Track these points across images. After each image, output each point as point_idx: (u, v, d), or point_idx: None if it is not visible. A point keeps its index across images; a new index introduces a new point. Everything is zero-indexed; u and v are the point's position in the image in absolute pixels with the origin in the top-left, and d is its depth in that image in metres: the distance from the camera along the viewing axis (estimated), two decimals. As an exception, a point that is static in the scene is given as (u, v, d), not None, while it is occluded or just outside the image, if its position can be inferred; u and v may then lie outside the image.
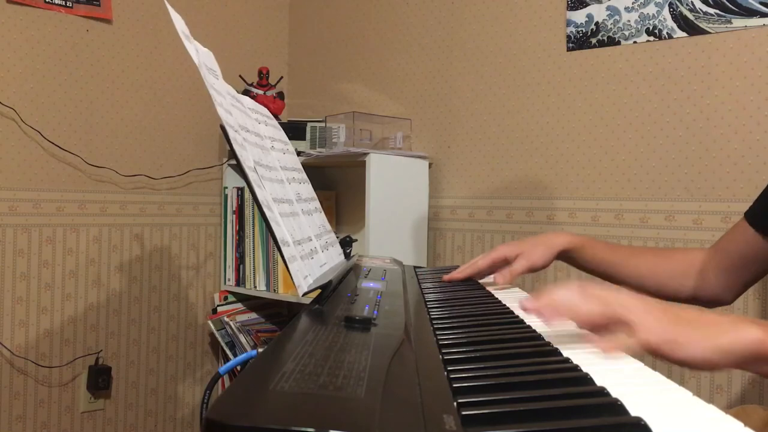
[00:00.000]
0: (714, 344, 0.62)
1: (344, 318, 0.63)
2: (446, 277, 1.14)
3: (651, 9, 1.66)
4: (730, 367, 0.63)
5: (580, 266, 1.20)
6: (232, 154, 0.91)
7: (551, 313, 0.66)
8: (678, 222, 1.62)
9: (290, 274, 0.73)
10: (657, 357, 0.62)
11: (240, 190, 2.25)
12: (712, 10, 1.57)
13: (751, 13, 1.52)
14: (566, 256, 1.18)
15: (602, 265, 1.17)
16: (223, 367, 0.68)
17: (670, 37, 1.63)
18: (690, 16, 1.60)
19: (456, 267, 1.21)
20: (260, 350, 0.56)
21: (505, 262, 1.15)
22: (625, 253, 1.19)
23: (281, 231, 0.76)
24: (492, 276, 1.17)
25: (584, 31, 1.77)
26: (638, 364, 0.59)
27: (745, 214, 1.09)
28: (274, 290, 2.13)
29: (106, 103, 2.04)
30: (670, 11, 1.63)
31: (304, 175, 1.12)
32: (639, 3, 1.68)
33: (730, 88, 1.55)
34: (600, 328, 0.66)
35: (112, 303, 2.07)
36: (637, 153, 1.69)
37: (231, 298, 2.30)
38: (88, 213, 2.01)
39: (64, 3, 1.92)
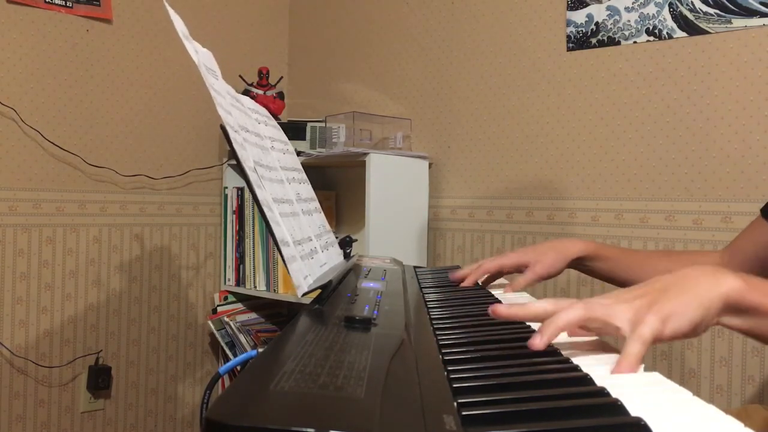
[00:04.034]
0: (698, 302, 0.59)
1: (344, 318, 0.63)
2: (453, 276, 1.10)
3: (651, 9, 1.66)
4: (714, 319, 0.61)
5: (594, 274, 1.14)
6: (232, 154, 0.91)
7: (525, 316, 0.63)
8: (678, 222, 1.62)
9: (290, 274, 0.73)
10: (656, 343, 0.59)
11: (240, 190, 2.25)
12: (712, 10, 1.57)
13: (751, 13, 1.52)
14: (580, 264, 1.12)
15: (617, 271, 1.11)
16: (223, 367, 0.68)
17: (670, 37, 1.63)
18: (690, 16, 1.60)
19: (457, 267, 1.21)
20: (260, 350, 0.56)
21: (515, 268, 1.10)
22: (642, 257, 1.15)
23: (281, 231, 0.76)
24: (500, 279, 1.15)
25: (584, 31, 1.77)
26: (638, 364, 0.59)
27: (761, 210, 1.07)
28: (274, 290, 2.13)
29: (106, 103, 2.04)
30: (670, 11, 1.63)
31: (304, 175, 1.12)
32: (639, 3, 1.68)
33: (730, 88, 1.55)
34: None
35: (112, 303, 2.07)
36: (637, 153, 1.69)
37: (231, 298, 2.30)
38: (88, 213, 2.01)
39: (64, 3, 1.92)
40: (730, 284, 0.60)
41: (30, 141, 1.88)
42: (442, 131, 2.09)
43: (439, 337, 0.66)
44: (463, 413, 0.43)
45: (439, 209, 2.09)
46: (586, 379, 0.52)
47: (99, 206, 2.03)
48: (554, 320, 0.59)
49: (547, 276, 1.09)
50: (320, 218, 1.08)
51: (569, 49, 1.80)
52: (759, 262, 1.05)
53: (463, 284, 1.07)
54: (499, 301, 0.91)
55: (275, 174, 0.90)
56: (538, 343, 0.58)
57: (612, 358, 0.63)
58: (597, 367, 0.56)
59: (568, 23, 1.80)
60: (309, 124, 2.14)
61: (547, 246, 1.11)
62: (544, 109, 1.86)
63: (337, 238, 1.17)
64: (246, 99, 1.04)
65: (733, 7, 1.54)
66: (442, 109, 2.09)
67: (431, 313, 0.80)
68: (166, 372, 2.22)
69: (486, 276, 1.13)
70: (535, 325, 0.73)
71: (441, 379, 0.50)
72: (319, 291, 0.79)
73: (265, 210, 0.72)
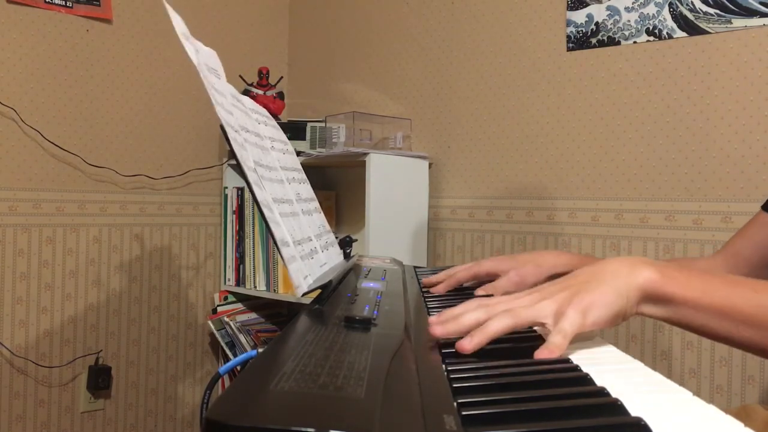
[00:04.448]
0: (616, 293, 0.63)
1: (344, 318, 0.63)
2: (426, 280, 1.06)
3: (651, 9, 1.66)
4: (633, 309, 0.64)
5: None
6: (232, 154, 0.91)
7: (461, 334, 0.62)
8: (678, 222, 1.62)
9: (290, 275, 0.73)
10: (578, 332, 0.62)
11: (240, 190, 2.25)
12: (712, 10, 1.57)
13: (751, 13, 1.52)
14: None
15: None
16: (223, 367, 0.68)
17: (670, 37, 1.63)
18: (690, 16, 1.60)
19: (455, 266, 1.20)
20: (260, 350, 0.56)
21: (488, 277, 1.04)
22: None
23: (281, 231, 0.76)
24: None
25: (584, 31, 1.77)
26: (638, 364, 0.59)
27: (762, 207, 1.05)
28: (274, 290, 2.13)
29: (106, 103, 2.04)
30: (670, 11, 1.63)
31: (304, 175, 1.12)
32: (639, 3, 1.68)
33: (730, 88, 1.55)
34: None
35: (112, 303, 2.07)
36: (637, 153, 1.69)
37: (231, 298, 2.30)
38: (88, 213, 2.01)
39: (64, 3, 1.92)
40: (646, 275, 0.64)
41: (30, 141, 1.88)
42: (442, 131, 2.09)
43: (439, 337, 0.66)
44: (463, 413, 0.43)
45: (439, 209, 2.09)
46: (586, 379, 0.52)
47: (99, 206, 2.03)
48: (485, 330, 0.61)
49: (521, 285, 1.01)
50: (320, 218, 1.08)
51: (569, 49, 1.80)
52: (761, 261, 1.03)
53: (436, 290, 1.04)
54: None
55: (275, 174, 0.90)
56: (467, 346, 0.60)
57: (614, 358, 0.63)
58: (597, 367, 0.56)
59: (568, 23, 1.80)
60: (309, 124, 2.14)
61: (527, 257, 1.06)
62: (544, 109, 1.86)
63: (337, 238, 1.17)
64: (246, 99, 1.04)
65: (733, 7, 1.54)
66: (442, 109, 2.09)
67: (431, 313, 0.80)
68: (166, 372, 2.22)
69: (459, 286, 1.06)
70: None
71: (441, 379, 0.50)
72: (319, 291, 0.79)
73: (265, 210, 0.72)
